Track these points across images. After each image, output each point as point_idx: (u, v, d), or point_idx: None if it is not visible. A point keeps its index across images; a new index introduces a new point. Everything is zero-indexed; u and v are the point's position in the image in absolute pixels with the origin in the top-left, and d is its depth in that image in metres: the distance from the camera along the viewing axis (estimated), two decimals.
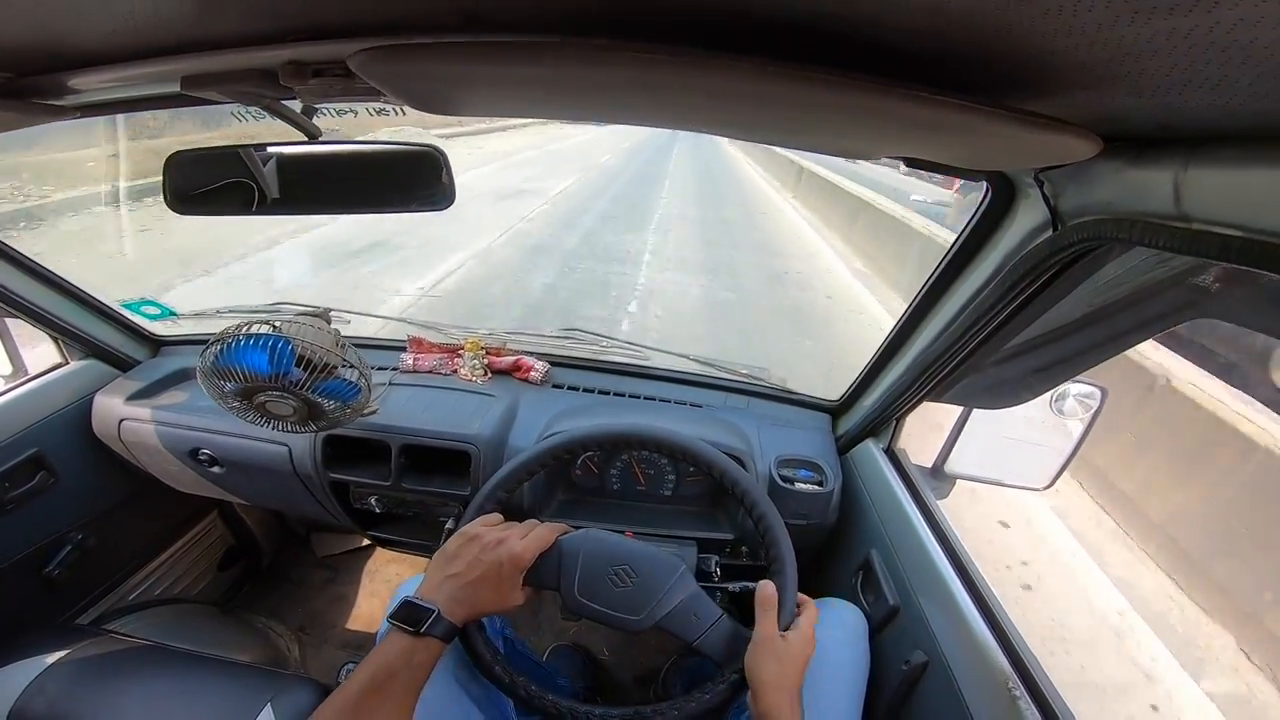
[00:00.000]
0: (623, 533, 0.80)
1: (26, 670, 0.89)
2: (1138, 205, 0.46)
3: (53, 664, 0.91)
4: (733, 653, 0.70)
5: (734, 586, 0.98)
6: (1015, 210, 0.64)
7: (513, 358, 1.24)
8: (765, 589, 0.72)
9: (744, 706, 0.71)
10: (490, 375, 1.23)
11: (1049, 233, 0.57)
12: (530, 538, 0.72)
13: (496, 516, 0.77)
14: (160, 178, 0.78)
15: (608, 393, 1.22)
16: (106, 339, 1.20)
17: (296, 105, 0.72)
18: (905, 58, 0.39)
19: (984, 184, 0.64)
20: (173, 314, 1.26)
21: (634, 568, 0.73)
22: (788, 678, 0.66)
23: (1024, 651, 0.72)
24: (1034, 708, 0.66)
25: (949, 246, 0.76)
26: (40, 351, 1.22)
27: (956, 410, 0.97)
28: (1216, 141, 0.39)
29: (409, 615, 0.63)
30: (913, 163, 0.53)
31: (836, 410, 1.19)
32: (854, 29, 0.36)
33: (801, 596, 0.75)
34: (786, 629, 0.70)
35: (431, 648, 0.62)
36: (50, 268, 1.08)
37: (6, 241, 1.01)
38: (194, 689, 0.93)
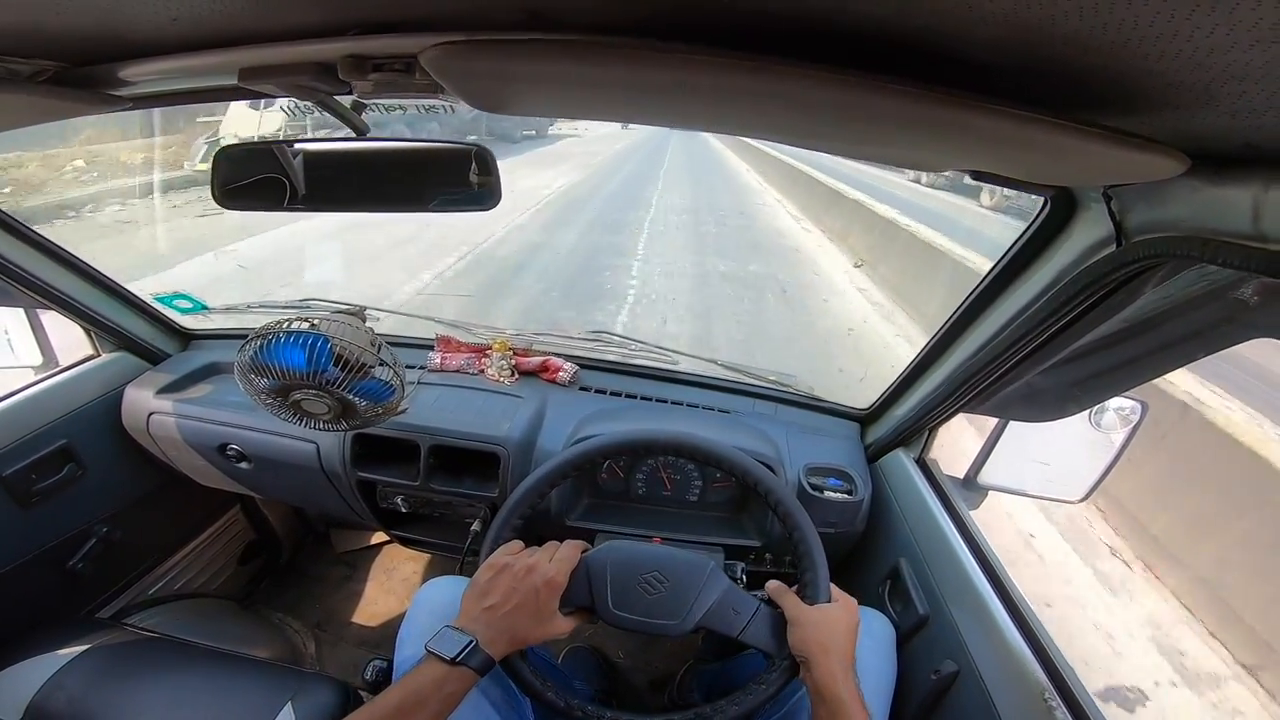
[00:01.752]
0: (650, 539, 0.79)
1: (47, 664, 0.89)
2: (1212, 223, 0.46)
3: (73, 658, 0.90)
4: (779, 639, 0.70)
5: (763, 594, 0.98)
6: (1073, 225, 0.64)
7: (540, 359, 1.24)
8: (772, 583, 0.74)
9: (796, 687, 0.71)
10: (517, 376, 1.22)
11: (1111, 248, 0.57)
12: (558, 559, 0.71)
13: (517, 544, 0.75)
14: None
15: (635, 396, 1.22)
16: (138, 331, 1.20)
17: (346, 101, 0.72)
18: (989, 72, 0.38)
19: (1043, 197, 0.63)
20: (204, 308, 1.26)
21: (664, 573, 0.73)
22: (836, 643, 0.66)
23: (1060, 662, 0.71)
24: (1070, 718, 0.65)
25: (998, 258, 0.76)
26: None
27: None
28: None
29: (446, 644, 0.62)
30: (978, 176, 0.53)
31: (866, 419, 1.19)
32: (945, 45, 0.36)
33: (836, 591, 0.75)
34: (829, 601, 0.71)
35: (465, 678, 0.62)
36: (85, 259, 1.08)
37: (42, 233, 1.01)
38: (215, 685, 0.92)
